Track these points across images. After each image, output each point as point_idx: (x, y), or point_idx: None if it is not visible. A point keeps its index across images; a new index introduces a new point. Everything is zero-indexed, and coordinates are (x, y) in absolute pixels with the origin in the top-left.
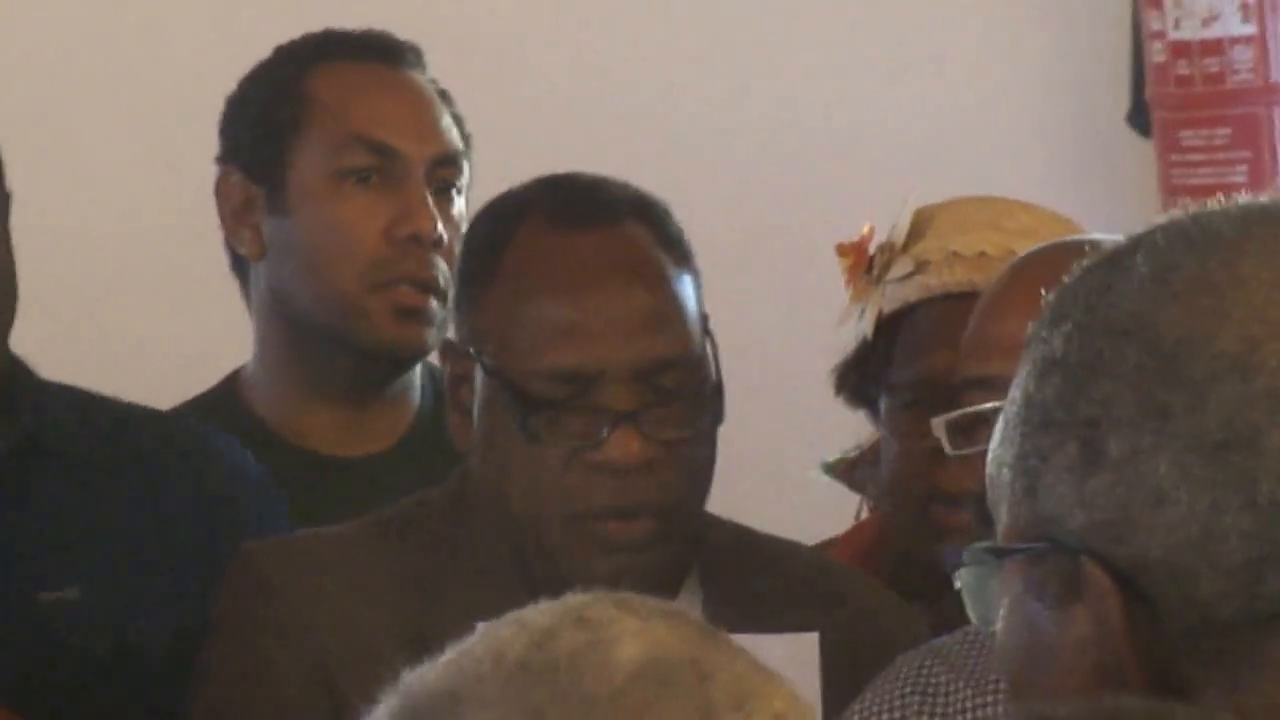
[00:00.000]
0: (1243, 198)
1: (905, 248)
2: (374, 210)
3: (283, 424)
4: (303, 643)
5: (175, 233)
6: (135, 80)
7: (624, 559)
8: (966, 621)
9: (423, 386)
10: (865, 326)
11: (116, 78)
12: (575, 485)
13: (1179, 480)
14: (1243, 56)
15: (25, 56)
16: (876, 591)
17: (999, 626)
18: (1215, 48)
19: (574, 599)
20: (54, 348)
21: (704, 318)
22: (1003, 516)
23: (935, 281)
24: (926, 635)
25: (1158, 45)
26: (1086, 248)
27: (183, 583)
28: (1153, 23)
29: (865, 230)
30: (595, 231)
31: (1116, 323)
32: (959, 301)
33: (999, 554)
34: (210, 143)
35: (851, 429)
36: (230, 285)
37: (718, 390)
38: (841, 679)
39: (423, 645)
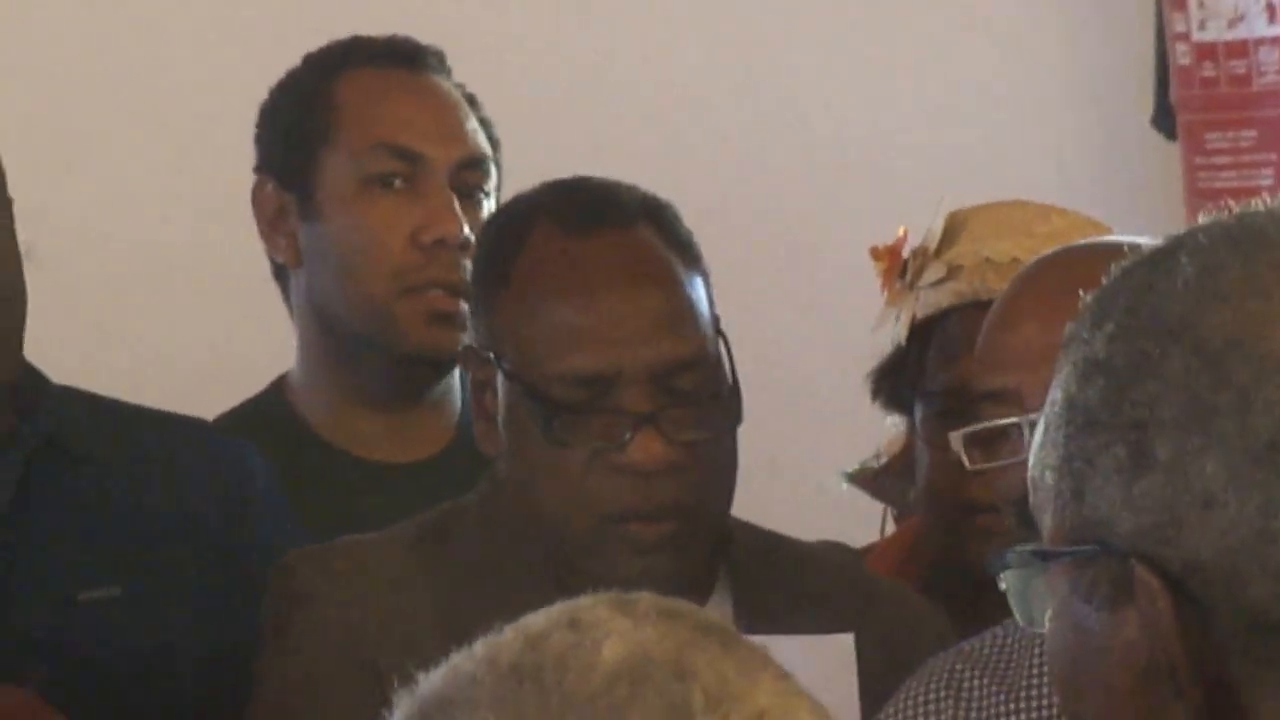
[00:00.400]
0: None
1: (938, 253)
2: (401, 215)
3: (328, 430)
4: (350, 649)
5: (212, 237)
6: (168, 83)
7: (650, 560)
8: (998, 620)
9: (465, 393)
10: (899, 332)
11: (147, 78)
12: (599, 487)
13: (1228, 482)
14: (1269, 58)
15: (55, 59)
16: (904, 595)
17: (1047, 629)
18: (1240, 49)
19: (572, 602)
20: (89, 353)
21: (716, 319)
22: (1047, 519)
23: (967, 287)
24: (957, 639)
25: (1182, 47)
26: (1095, 252)
27: (209, 582)
28: (1177, 24)
29: (899, 234)
30: (606, 235)
31: (1161, 324)
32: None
33: (1045, 557)
34: (242, 148)
35: (881, 434)
36: (268, 290)
37: (735, 392)
38: (873, 682)
39: (463, 648)
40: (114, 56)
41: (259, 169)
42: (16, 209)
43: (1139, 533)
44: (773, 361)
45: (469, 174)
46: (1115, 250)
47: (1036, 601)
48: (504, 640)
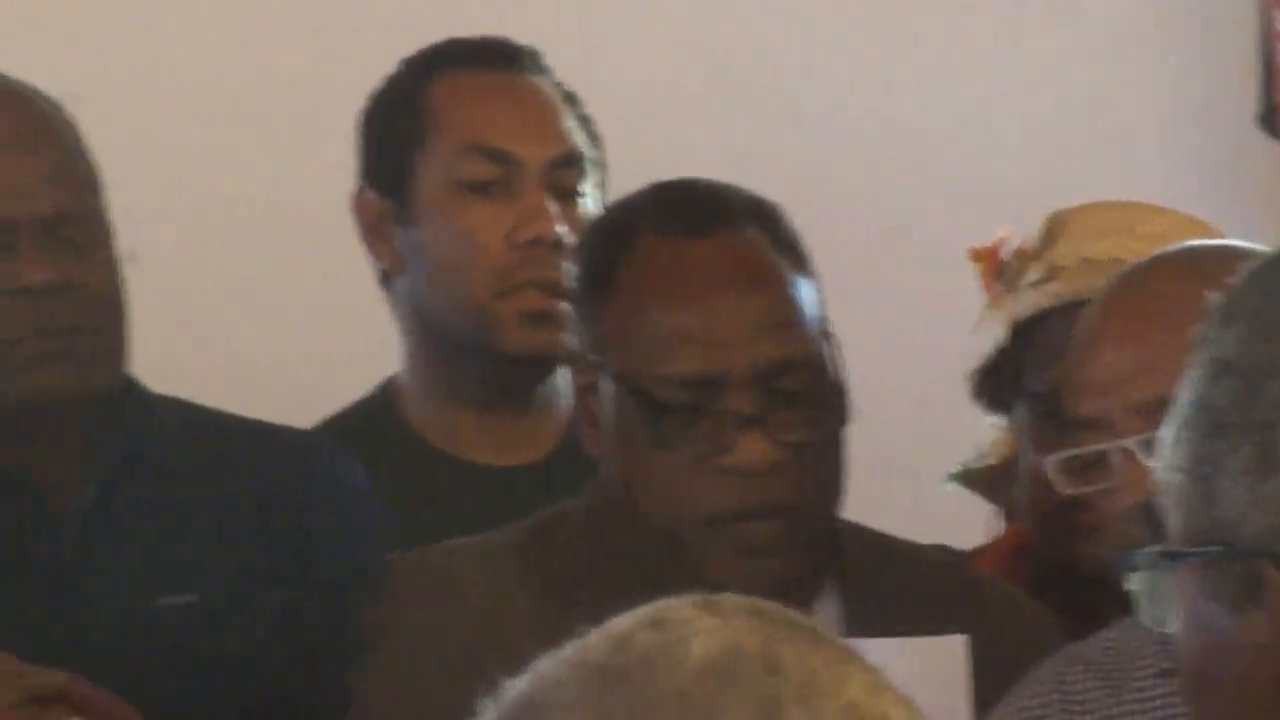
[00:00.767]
0: None
1: (1038, 254)
2: (496, 217)
3: (435, 433)
4: (450, 654)
5: (321, 240)
6: (274, 82)
7: (756, 561)
8: (1103, 618)
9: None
10: (1000, 333)
11: (252, 77)
12: (705, 489)
13: None
14: None
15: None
16: (1015, 597)
17: (1175, 629)
18: None
19: (657, 603)
20: (191, 357)
21: (823, 320)
22: (1175, 520)
23: (1068, 288)
24: (1065, 641)
25: None
26: (1172, 264)
27: (288, 591)
28: (1278, 22)
29: (999, 235)
30: (712, 237)
31: None
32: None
33: (1173, 558)
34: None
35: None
36: (375, 294)
37: (841, 392)
38: (983, 685)
39: None
40: (219, 60)
41: (359, 176)
42: (118, 211)
43: (1268, 534)
44: (880, 362)
45: (564, 173)
46: (1194, 260)
47: (1165, 603)
48: (590, 642)
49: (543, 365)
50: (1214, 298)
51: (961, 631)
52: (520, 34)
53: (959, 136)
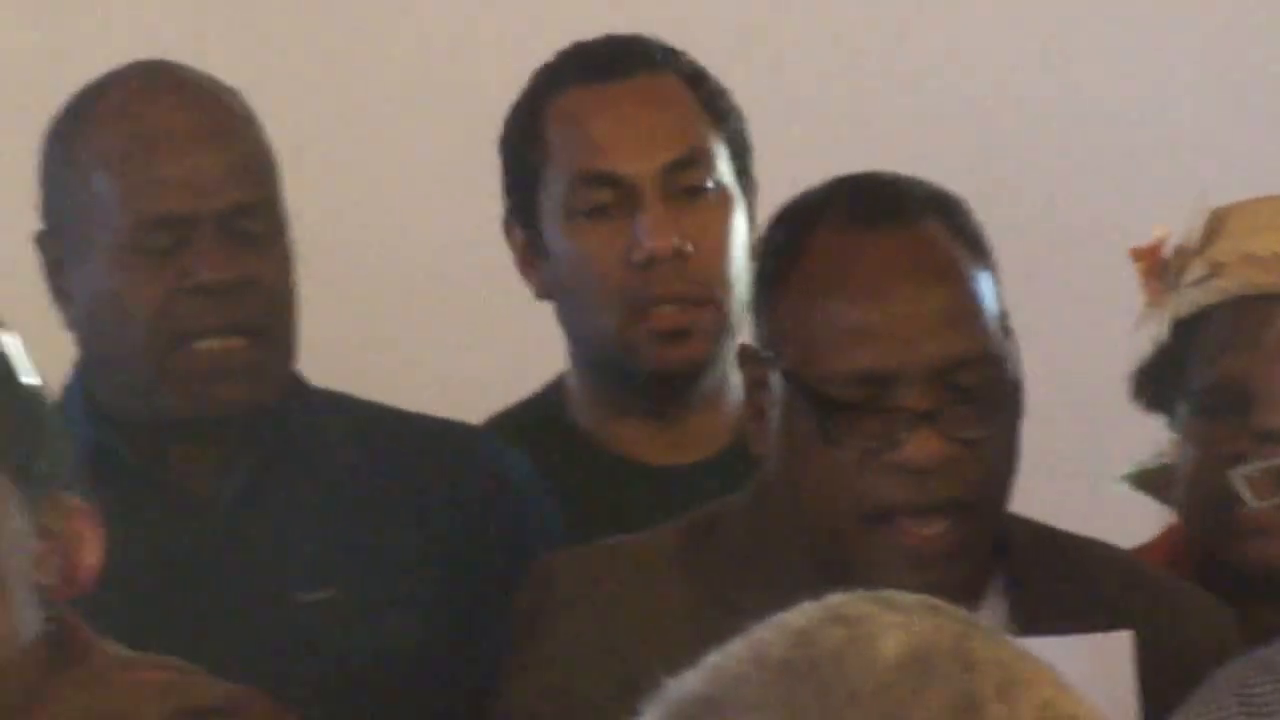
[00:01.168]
0: None
1: (1199, 251)
2: (613, 241)
3: (603, 434)
4: (607, 655)
5: (484, 238)
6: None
7: (921, 561)
8: (1272, 624)
9: None
10: (1161, 331)
11: (426, 79)
12: (871, 485)
13: None
14: None
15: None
16: (1190, 594)
17: None
18: None
19: (834, 599)
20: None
21: (1003, 314)
22: None
23: (1230, 284)
24: (1238, 635)
25: None
26: None
27: (439, 585)
28: None
29: (1159, 234)
30: (894, 231)
31: None
32: (1255, 304)
33: None
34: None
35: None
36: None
37: (1018, 387)
38: (1155, 683)
39: None
40: (395, 57)
41: (504, 204)
42: (291, 209)
43: None
44: (1059, 358)
45: (681, 175)
46: None
47: None
48: (765, 638)
49: (691, 376)
50: None
51: (1134, 626)
52: (685, 32)
53: (1130, 134)
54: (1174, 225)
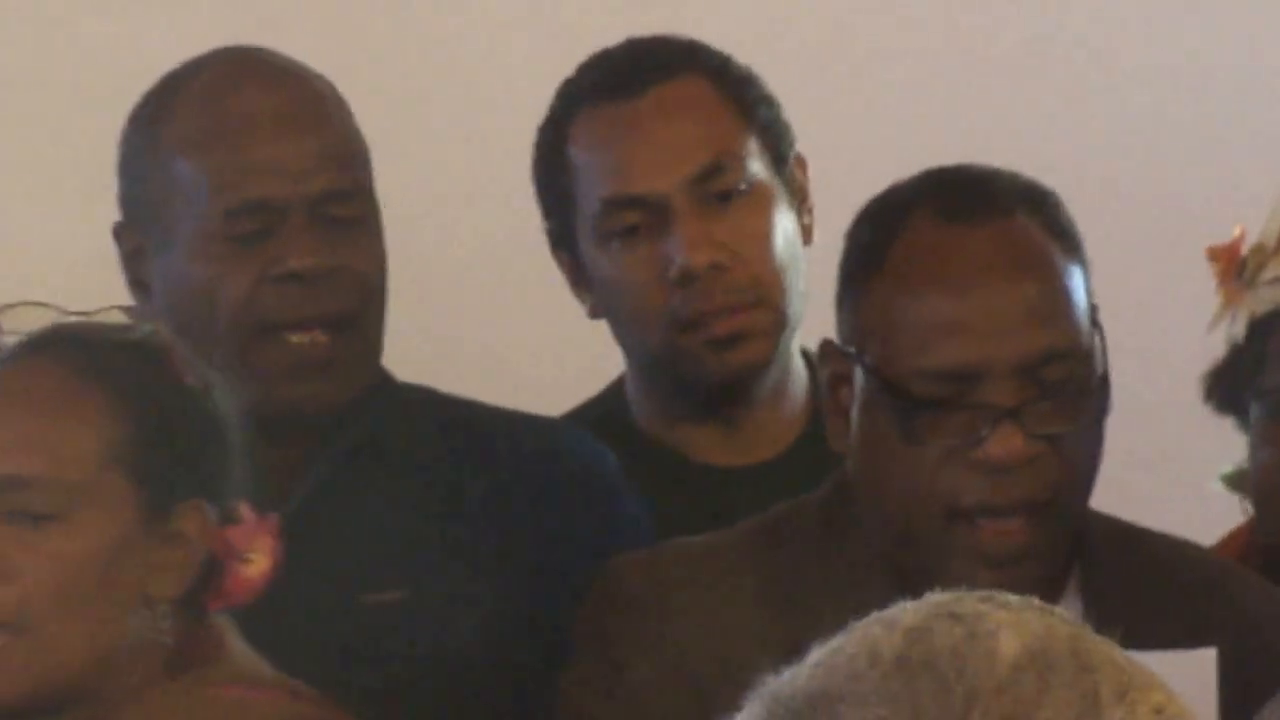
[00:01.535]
0: None
1: (1277, 249)
2: (648, 261)
3: (664, 436)
4: (674, 659)
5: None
6: (508, 77)
7: (999, 558)
8: None
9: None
10: (1237, 330)
11: (486, 71)
12: (951, 483)
13: None
14: None
15: (395, 55)
16: (1271, 590)
17: None
18: None
19: (938, 597)
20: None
21: (1093, 308)
22: None
23: None
24: None
25: None
26: None
27: (520, 584)
28: None
29: (1236, 233)
30: (985, 225)
31: None
32: None
33: None
34: None
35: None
36: None
37: (1104, 382)
38: (1233, 687)
39: (799, 656)
40: (449, 50)
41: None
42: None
43: None
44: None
45: (710, 183)
46: None
47: None
48: (876, 634)
49: (751, 377)
50: None
51: (1216, 633)
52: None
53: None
54: (1251, 225)
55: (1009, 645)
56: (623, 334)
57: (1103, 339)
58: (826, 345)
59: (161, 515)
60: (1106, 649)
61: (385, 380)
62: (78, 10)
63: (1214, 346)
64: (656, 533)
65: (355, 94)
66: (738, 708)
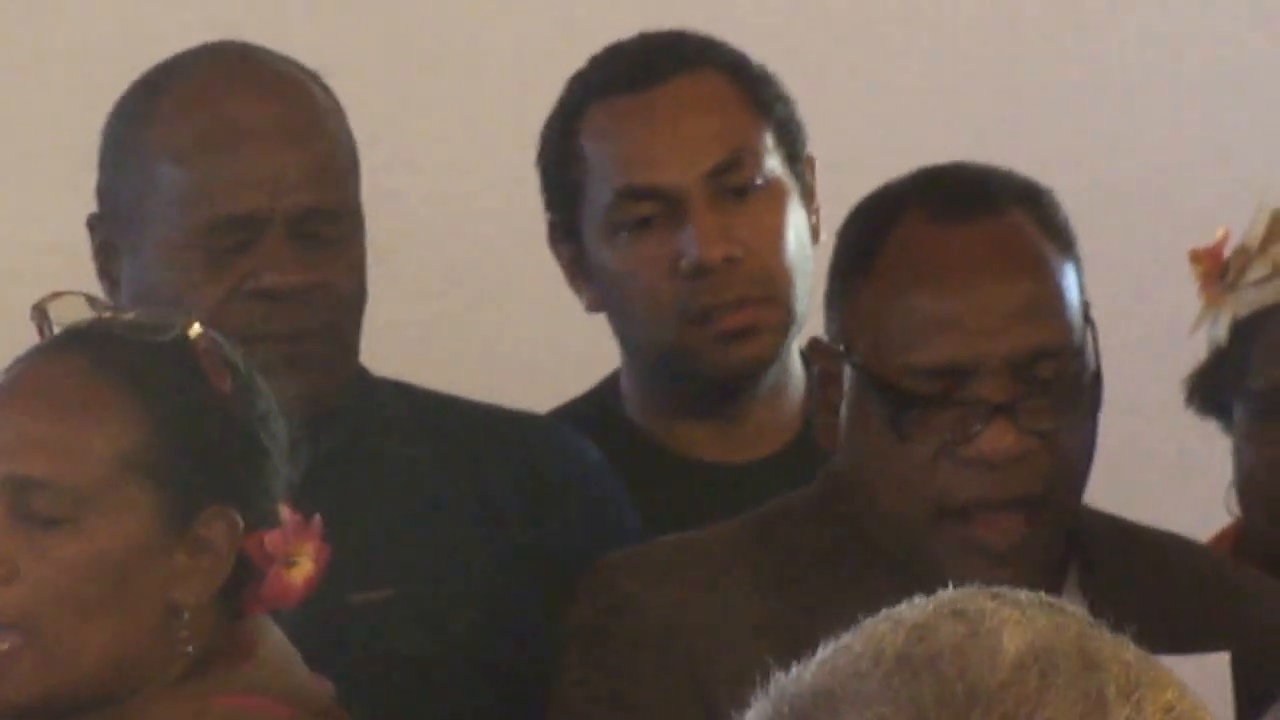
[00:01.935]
0: None
1: (1261, 250)
2: (660, 253)
3: (660, 432)
4: (670, 655)
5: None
6: (510, 74)
7: (993, 556)
8: None
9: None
10: (1220, 332)
11: (490, 68)
12: (944, 479)
13: None
14: None
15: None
16: (1272, 589)
17: None
18: None
19: (947, 594)
20: (422, 342)
21: (1085, 305)
22: None
23: None
24: None
25: None
26: None
27: (506, 582)
28: None
29: (1219, 235)
30: (979, 221)
31: None
32: None
33: None
34: None
35: None
36: None
37: (1096, 379)
38: (1245, 686)
39: (793, 651)
40: (454, 46)
41: (547, 217)
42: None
43: None
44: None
45: (726, 177)
46: None
47: None
48: (880, 632)
49: (753, 374)
50: None
51: (1219, 628)
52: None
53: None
54: (1233, 227)
55: (1012, 643)
56: (624, 327)
57: (1095, 335)
58: (815, 343)
59: (185, 521)
60: (1116, 647)
61: (363, 378)
62: None
63: (1199, 346)
64: (650, 529)
65: (353, 87)
66: (739, 703)
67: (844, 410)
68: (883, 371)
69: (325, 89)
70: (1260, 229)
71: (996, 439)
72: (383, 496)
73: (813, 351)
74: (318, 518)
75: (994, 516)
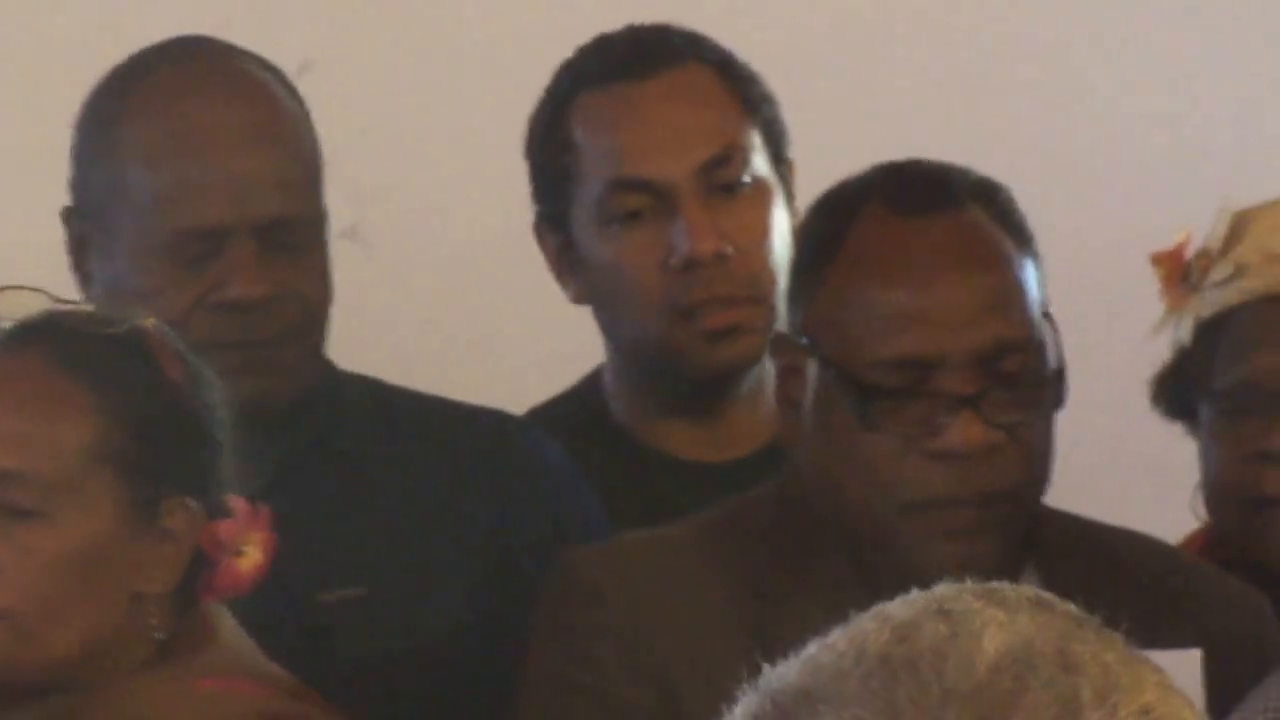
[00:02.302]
0: None
1: (1222, 253)
2: (650, 246)
3: (641, 430)
4: (637, 649)
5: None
6: (501, 66)
7: (960, 547)
8: None
9: None
10: (1183, 334)
11: (479, 60)
12: (912, 473)
13: None
14: None
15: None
16: (1223, 581)
17: None
18: None
19: (939, 591)
20: (405, 334)
21: (1045, 302)
22: None
23: (1256, 284)
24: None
25: None
26: None
27: (472, 579)
28: None
29: (1180, 238)
30: (938, 217)
31: None
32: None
33: None
34: None
35: None
36: None
37: (1059, 374)
38: (1210, 689)
39: (760, 645)
40: (460, 42)
41: (534, 208)
42: (347, 187)
43: None
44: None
45: (716, 173)
46: None
47: None
48: (865, 630)
49: (735, 374)
50: None
51: (1173, 617)
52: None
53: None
54: (1194, 230)
55: (991, 645)
56: (610, 320)
57: (1055, 331)
58: (777, 338)
59: (149, 512)
60: (1099, 649)
61: (331, 376)
62: None
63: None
64: (630, 526)
65: (343, 80)
66: (705, 696)
67: (808, 405)
68: (849, 365)
69: (291, 90)
70: (1222, 231)
71: (963, 432)
72: (353, 495)
73: (776, 347)
74: (266, 507)
75: (957, 512)
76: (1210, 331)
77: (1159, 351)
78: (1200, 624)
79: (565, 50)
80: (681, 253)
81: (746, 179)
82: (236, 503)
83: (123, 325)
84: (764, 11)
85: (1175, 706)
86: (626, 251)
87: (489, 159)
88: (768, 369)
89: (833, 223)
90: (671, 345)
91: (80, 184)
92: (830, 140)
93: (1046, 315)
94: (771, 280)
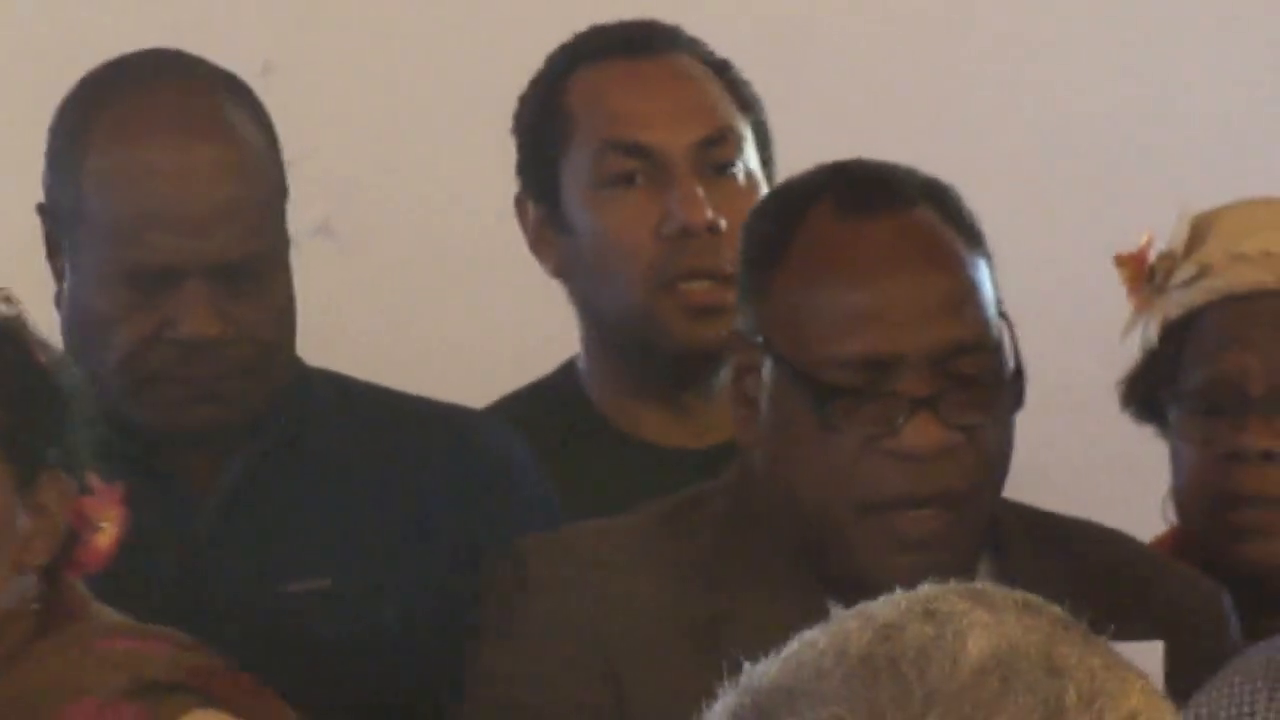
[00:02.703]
0: None
1: (1188, 253)
2: (643, 211)
3: (619, 416)
4: (584, 638)
5: (512, 221)
6: (485, 65)
7: (912, 550)
8: (1271, 623)
9: None
10: (1150, 335)
11: (461, 58)
12: (869, 474)
13: None
14: None
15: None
16: (1181, 571)
17: None
18: None
19: (925, 590)
20: (378, 330)
21: (999, 302)
22: None
23: (1221, 283)
24: (1233, 614)
25: None
26: None
27: (436, 570)
28: None
29: (1143, 240)
30: (887, 216)
31: None
32: (1246, 302)
33: None
34: None
35: None
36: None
37: (1018, 375)
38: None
39: (707, 638)
40: (432, 38)
41: (518, 182)
42: (319, 182)
43: None
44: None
45: (713, 151)
46: None
47: None
48: (849, 629)
49: (718, 356)
50: None
51: (1130, 607)
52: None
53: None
54: (1156, 232)
55: (976, 647)
56: (592, 291)
57: (1013, 331)
58: (733, 335)
59: (28, 486)
60: (1086, 651)
61: (298, 372)
62: None
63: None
64: (603, 511)
65: (329, 81)
66: (650, 686)
67: (763, 404)
68: (806, 363)
69: (254, 110)
70: (1184, 233)
71: (920, 433)
72: (318, 488)
73: (731, 344)
74: (120, 484)
75: (915, 512)
76: (1177, 332)
77: (1129, 354)
78: (1156, 613)
79: (538, 47)
80: (677, 220)
81: (739, 163)
82: (94, 480)
83: None
84: (740, 12)
85: (1161, 712)
86: (617, 216)
87: (461, 154)
88: None
89: (782, 220)
90: (652, 315)
91: (50, 191)
92: (787, 144)
93: (1003, 315)
94: None
